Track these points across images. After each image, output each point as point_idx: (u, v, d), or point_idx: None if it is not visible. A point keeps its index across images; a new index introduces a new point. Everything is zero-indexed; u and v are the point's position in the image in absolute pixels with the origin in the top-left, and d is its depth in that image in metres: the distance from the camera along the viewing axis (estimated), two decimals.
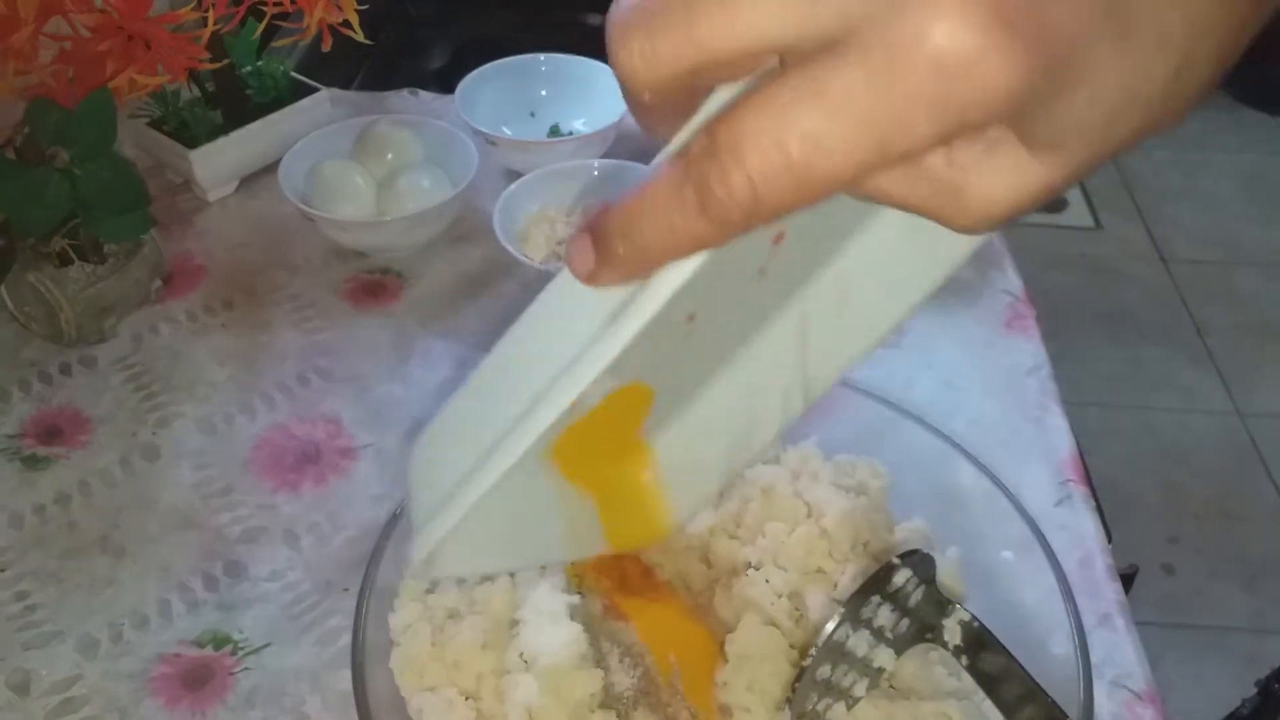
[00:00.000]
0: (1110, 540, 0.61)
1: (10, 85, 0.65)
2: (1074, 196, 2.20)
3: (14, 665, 0.55)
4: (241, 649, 0.55)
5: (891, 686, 0.50)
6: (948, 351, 0.71)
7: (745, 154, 0.24)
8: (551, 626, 0.49)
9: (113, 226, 0.67)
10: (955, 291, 0.75)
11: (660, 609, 0.52)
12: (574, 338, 0.31)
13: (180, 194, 0.84)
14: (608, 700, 0.49)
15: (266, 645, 0.55)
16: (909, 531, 0.55)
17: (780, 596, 0.52)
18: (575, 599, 0.51)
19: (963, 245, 0.37)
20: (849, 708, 0.48)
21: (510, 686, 0.48)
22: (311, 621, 0.56)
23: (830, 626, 0.45)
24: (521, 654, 0.49)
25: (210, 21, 0.69)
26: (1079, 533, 0.60)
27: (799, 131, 0.23)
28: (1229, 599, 1.50)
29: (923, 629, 0.48)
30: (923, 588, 0.48)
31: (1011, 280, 0.76)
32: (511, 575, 0.53)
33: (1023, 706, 0.46)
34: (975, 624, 0.48)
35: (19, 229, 0.65)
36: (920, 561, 0.48)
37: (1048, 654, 0.48)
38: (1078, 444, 0.65)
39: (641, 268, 0.27)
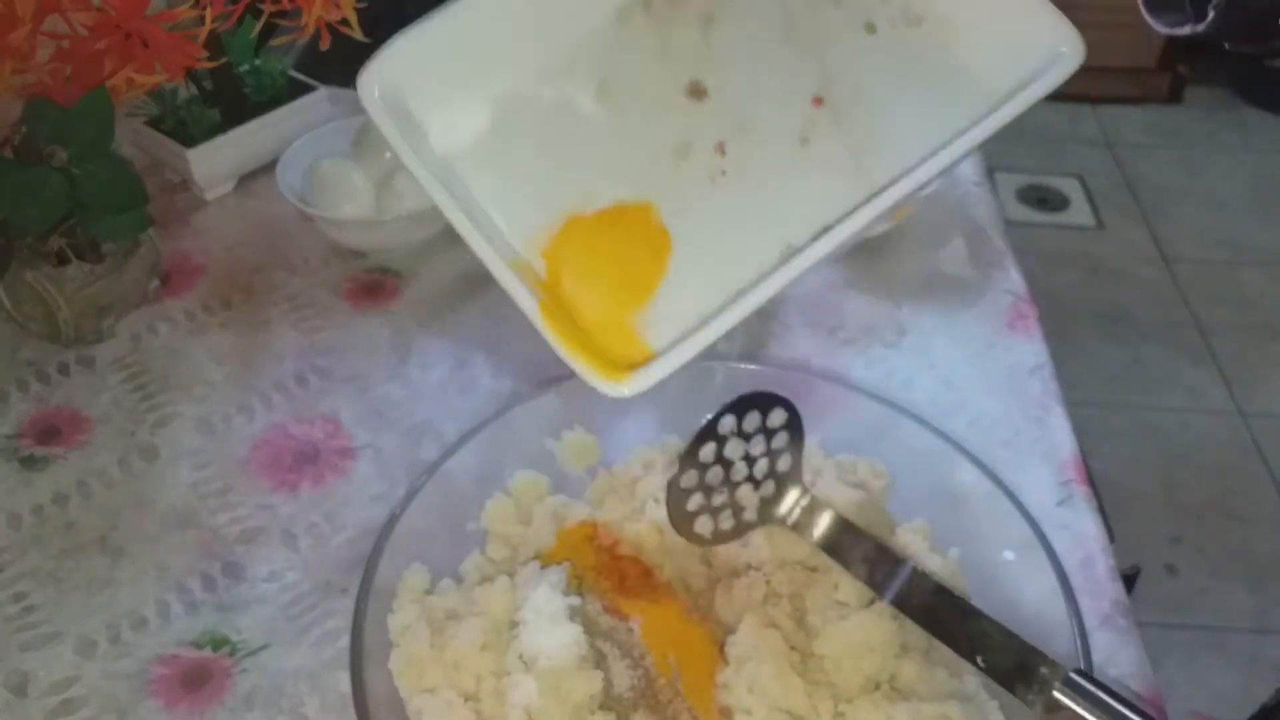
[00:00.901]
0: (1112, 540, 0.61)
1: (8, 84, 0.65)
2: (1076, 196, 2.20)
3: (12, 666, 0.54)
4: (240, 650, 0.55)
5: (893, 688, 0.49)
6: (949, 351, 0.71)
7: None
8: (551, 628, 0.49)
9: (110, 225, 0.66)
10: (956, 291, 0.75)
11: (660, 610, 0.52)
12: None
13: (178, 193, 0.84)
14: (608, 701, 0.48)
15: (265, 646, 0.55)
16: (910, 532, 0.55)
17: (781, 598, 0.51)
18: (575, 600, 0.51)
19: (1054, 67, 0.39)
20: (713, 534, 0.51)
21: (510, 688, 0.48)
22: (310, 622, 0.56)
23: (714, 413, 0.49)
24: (521, 655, 0.49)
25: (208, 20, 0.68)
26: (1081, 533, 0.59)
27: None
28: (1232, 599, 1.50)
29: (782, 516, 0.51)
30: (789, 457, 0.51)
31: (1013, 280, 0.76)
32: (510, 576, 0.52)
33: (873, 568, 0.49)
34: (809, 501, 0.51)
35: (16, 228, 0.65)
36: (795, 419, 0.50)
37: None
38: (1079, 444, 0.65)
39: None
